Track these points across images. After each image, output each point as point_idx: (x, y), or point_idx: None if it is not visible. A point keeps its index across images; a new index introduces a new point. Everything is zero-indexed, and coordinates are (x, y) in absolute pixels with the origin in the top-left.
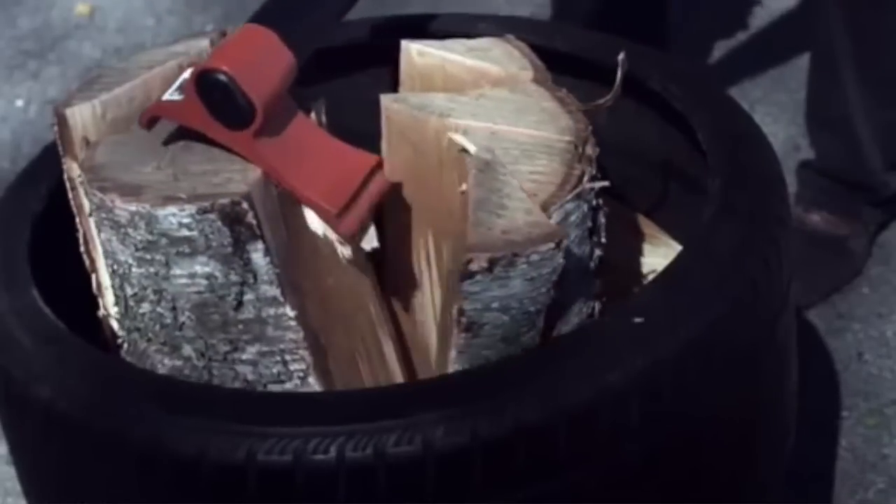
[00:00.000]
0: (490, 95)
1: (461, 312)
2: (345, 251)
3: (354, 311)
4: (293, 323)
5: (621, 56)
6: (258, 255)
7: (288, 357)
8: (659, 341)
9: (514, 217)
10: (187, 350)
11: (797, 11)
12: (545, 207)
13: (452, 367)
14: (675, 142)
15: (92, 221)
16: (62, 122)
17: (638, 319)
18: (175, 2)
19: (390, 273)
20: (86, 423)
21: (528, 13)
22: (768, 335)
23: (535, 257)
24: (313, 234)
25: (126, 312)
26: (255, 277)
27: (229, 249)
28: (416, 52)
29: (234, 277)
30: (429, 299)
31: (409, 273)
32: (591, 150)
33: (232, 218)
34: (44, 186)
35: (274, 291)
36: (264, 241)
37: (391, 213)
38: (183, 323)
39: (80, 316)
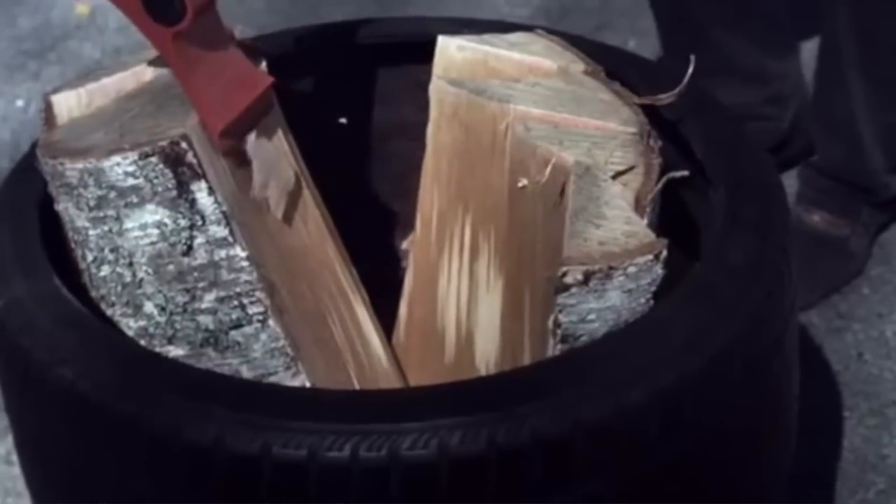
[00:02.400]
0: (545, 84)
1: (557, 324)
2: (277, 211)
3: (318, 268)
4: (246, 264)
5: (692, 56)
6: (202, 195)
7: (245, 300)
8: (681, 356)
9: (613, 227)
10: (149, 307)
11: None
12: (640, 199)
13: None
14: (667, 150)
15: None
16: (48, 108)
17: None
18: None
19: (416, 257)
20: (105, 407)
21: (528, 13)
22: (779, 344)
23: (632, 269)
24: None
25: (91, 282)
26: (202, 219)
27: (174, 192)
28: (455, 47)
29: (182, 222)
30: (454, 289)
31: (436, 259)
32: (654, 142)
33: (173, 159)
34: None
35: (223, 232)
36: (207, 181)
37: (427, 195)
38: (141, 279)
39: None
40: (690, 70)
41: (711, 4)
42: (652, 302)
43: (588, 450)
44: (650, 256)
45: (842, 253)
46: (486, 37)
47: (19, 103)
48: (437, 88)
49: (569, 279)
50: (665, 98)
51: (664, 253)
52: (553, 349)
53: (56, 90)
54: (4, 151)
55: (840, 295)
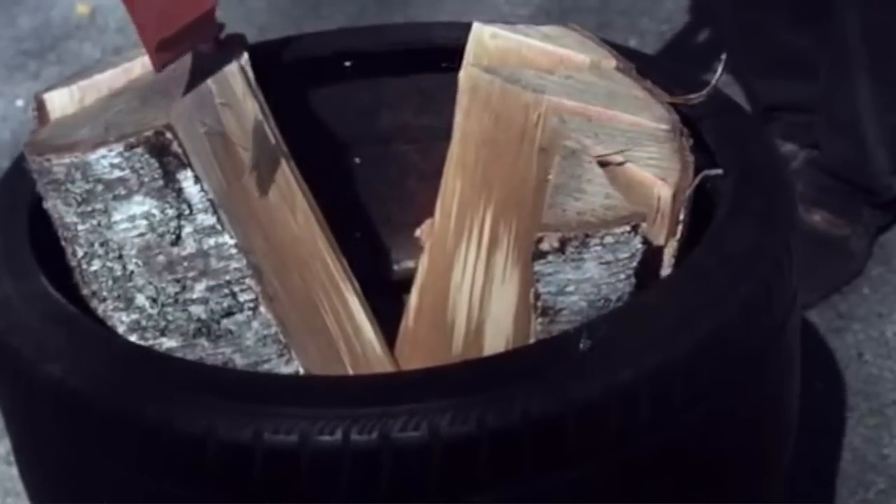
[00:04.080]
0: (578, 78)
1: (536, 296)
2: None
3: (309, 258)
4: (234, 251)
5: (723, 56)
6: (189, 184)
7: (235, 288)
8: (671, 340)
9: (592, 200)
10: (140, 299)
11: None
12: (677, 194)
13: None
14: None
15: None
16: (40, 106)
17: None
18: None
19: (432, 245)
20: (96, 401)
21: (528, 13)
22: (777, 337)
23: (609, 239)
24: (257, 180)
25: (82, 278)
26: (189, 208)
27: (161, 182)
28: (489, 35)
29: (170, 212)
30: (469, 279)
31: (453, 248)
32: (686, 140)
33: (158, 149)
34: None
35: (210, 220)
36: (192, 169)
37: (450, 182)
38: (132, 272)
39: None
40: (720, 70)
41: (779, 8)
42: (634, 280)
43: (579, 430)
44: (627, 227)
45: (842, 253)
46: (520, 26)
47: (19, 103)
48: (470, 75)
49: (544, 246)
50: (696, 98)
51: (643, 226)
52: (534, 324)
53: (48, 88)
54: (4, 151)
55: (840, 295)
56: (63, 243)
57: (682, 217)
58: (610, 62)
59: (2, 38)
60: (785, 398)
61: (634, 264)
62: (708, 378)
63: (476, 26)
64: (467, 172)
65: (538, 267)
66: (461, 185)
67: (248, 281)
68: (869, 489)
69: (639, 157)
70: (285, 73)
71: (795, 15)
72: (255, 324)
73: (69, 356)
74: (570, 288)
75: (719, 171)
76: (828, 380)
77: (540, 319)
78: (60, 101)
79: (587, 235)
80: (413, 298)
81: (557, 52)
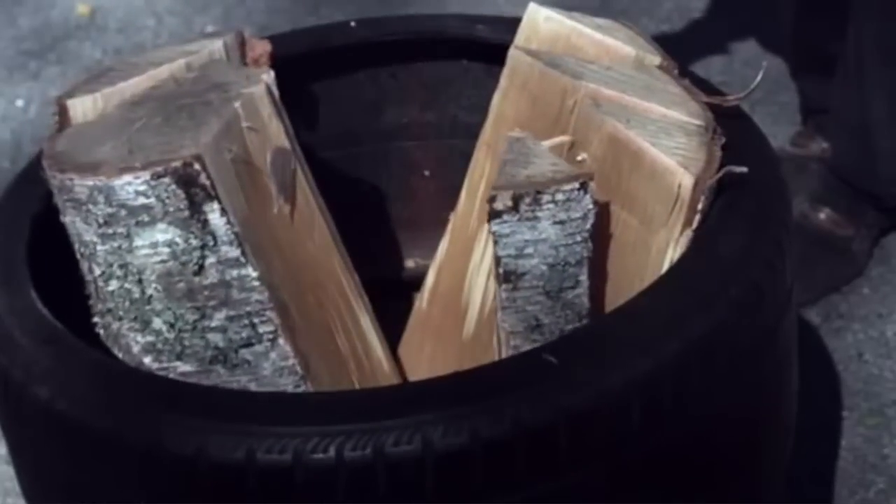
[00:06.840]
0: (619, 69)
1: (497, 260)
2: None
3: (325, 280)
4: (257, 283)
5: (764, 63)
6: (215, 216)
7: (256, 320)
8: (661, 344)
9: (541, 168)
10: (157, 323)
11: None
12: (699, 183)
13: (501, 327)
14: None
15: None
16: (63, 112)
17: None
18: (175, 2)
19: (455, 226)
20: (86, 424)
21: None
22: (771, 338)
23: (560, 196)
24: (280, 207)
25: (97, 295)
26: (214, 239)
27: (186, 213)
28: (543, 17)
29: (194, 242)
30: (488, 261)
31: (475, 230)
32: (718, 137)
33: (185, 180)
34: (43, 187)
35: (234, 252)
36: (219, 202)
37: (479, 164)
38: (150, 296)
39: (82, 319)
40: (760, 77)
41: (824, 18)
42: (590, 244)
43: (571, 438)
44: (576, 184)
45: (843, 253)
46: (575, 14)
47: (19, 103)
48: (514, 57)
49: (498, 205)
50: (731, 99)
51: (591, 185)
52: (500, 293)
53: (70, 94)
54: (4, 151)
55: (840, 295)
56: (79, 258)
57: (700, 207)
58: (654, 59)
59: (2, 38)
60: (781, 398)
61: (588, 226)
62: (699, 381)
63: (532, 7)
64: (498, 154)
65: (495, 227)
66: (490, 167)
67: (268, 313)
68: (869, 489)
69: (666, 145)
70: (286, 68)
71: (832, 24)
72: (272, 355)
73: (57, 378)
74: (529, 250)
75: (744, 169)
76: (828, 380)
77: (504, 286)
78: (84, 109)
79: (539, 192)
80: (430, 278)
81: (605, 43)
